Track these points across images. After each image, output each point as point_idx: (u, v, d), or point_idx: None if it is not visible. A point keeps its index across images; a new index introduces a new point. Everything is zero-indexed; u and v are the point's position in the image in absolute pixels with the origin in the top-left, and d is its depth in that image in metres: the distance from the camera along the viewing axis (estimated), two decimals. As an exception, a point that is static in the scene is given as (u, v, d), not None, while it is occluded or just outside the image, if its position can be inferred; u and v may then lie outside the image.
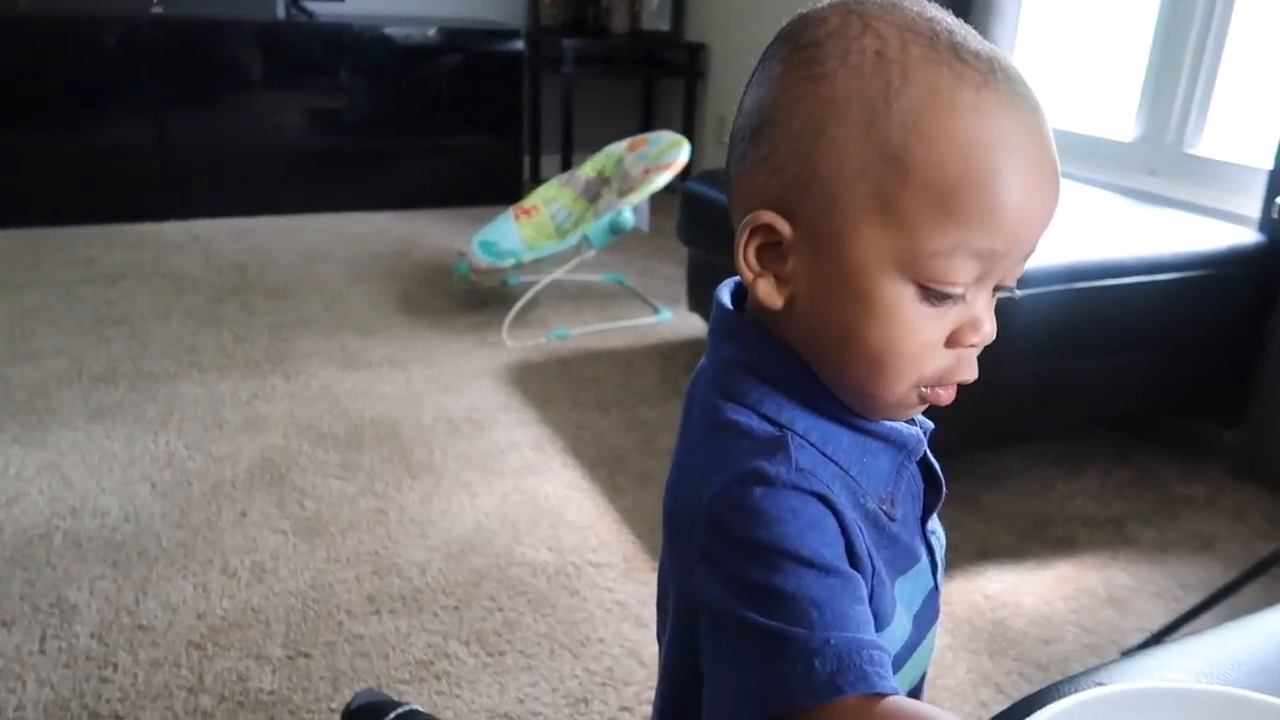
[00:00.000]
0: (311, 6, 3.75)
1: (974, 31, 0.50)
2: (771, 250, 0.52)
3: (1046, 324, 1.78)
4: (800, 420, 0.53)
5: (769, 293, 0.52)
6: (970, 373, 0.53)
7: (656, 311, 2.87)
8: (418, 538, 1.73)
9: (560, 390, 2.35)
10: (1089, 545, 1.80)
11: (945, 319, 0.50)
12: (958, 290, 0.49)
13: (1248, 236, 2.02)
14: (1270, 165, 1.98)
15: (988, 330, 0.51)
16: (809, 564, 0.47)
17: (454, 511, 1.81)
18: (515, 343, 2.61)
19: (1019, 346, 1.76)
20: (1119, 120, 2.50)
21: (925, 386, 0.52)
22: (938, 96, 0.47)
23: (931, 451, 0.62)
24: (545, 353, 2.57)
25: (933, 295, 0.49)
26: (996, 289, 0.52)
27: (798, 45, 0.51)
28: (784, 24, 0.53)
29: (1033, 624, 1.57)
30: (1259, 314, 2.01)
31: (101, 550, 1.64)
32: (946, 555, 0.65)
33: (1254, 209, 2.05)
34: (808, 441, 0.52)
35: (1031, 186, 0.48)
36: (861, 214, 0.48)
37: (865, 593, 0.50)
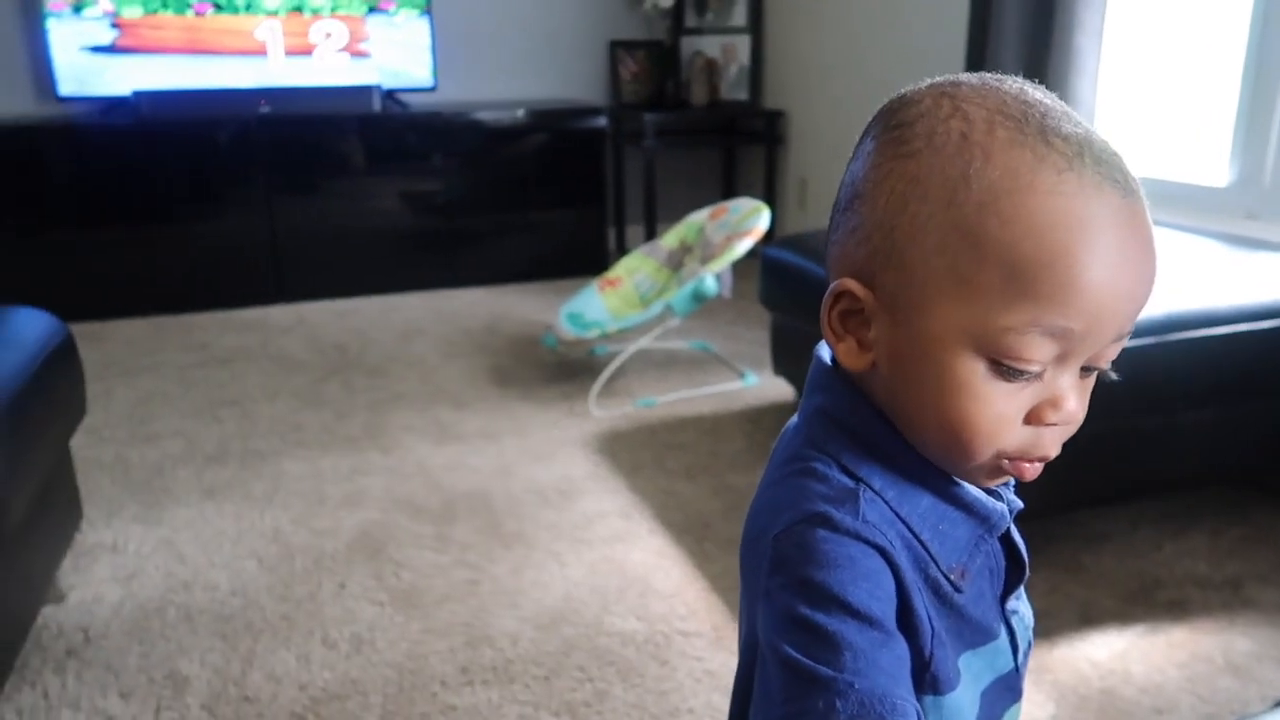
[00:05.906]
0: (405, 98, 3.96)
1: (1072, 114, 0.51)
2: (855, 316, 0.54)
3: (1147, 376, 1.72)
4: (878, 477, 0.54)
5: (850, 355, 0.55)
6: (1051, 449, 0.53)
7: (742, 377, 2.87)
8: (509, 608, 1.75)
9: (647, 458, 2.37)
10: (1203, 608, 1.71)
11: (1022, 395, 0.51)
12: (1032, 368, 0.50)
13: (1358, 278, 1.92)
14: (1378, 204, 1.90)
15: (1070, 409, 0.51)
16: (854, 612, 0.48)
17: (544, 581, 1.84)
18: (603, 412, 2.65)
19: (1119, 401, 1.70)
20: (1211, 165, 2.44)
21: (1006, 459, 0.52)
22: (1017, 178, 0.48)
23: (1017, 528, 0.62)
24: (632, 421, 2.60)
25: (1005, 371, 0.50)
26: (1087, 370, 0.52)
27: (890, 125, 0.53)
28: (884, 102, 0.55)
29: (1144, 693, 1.50)
30: (1377, 359, 1.91)
31: (211, 623, 1.72)
32: (1035, 629, 0.64)
33: (1363, 250, 1.96)
34: (882, 499, 0.53)
35: (1113, 268, 0.48)
36: (937, 288, 0.50)
37: (906, 653, 0.50)
